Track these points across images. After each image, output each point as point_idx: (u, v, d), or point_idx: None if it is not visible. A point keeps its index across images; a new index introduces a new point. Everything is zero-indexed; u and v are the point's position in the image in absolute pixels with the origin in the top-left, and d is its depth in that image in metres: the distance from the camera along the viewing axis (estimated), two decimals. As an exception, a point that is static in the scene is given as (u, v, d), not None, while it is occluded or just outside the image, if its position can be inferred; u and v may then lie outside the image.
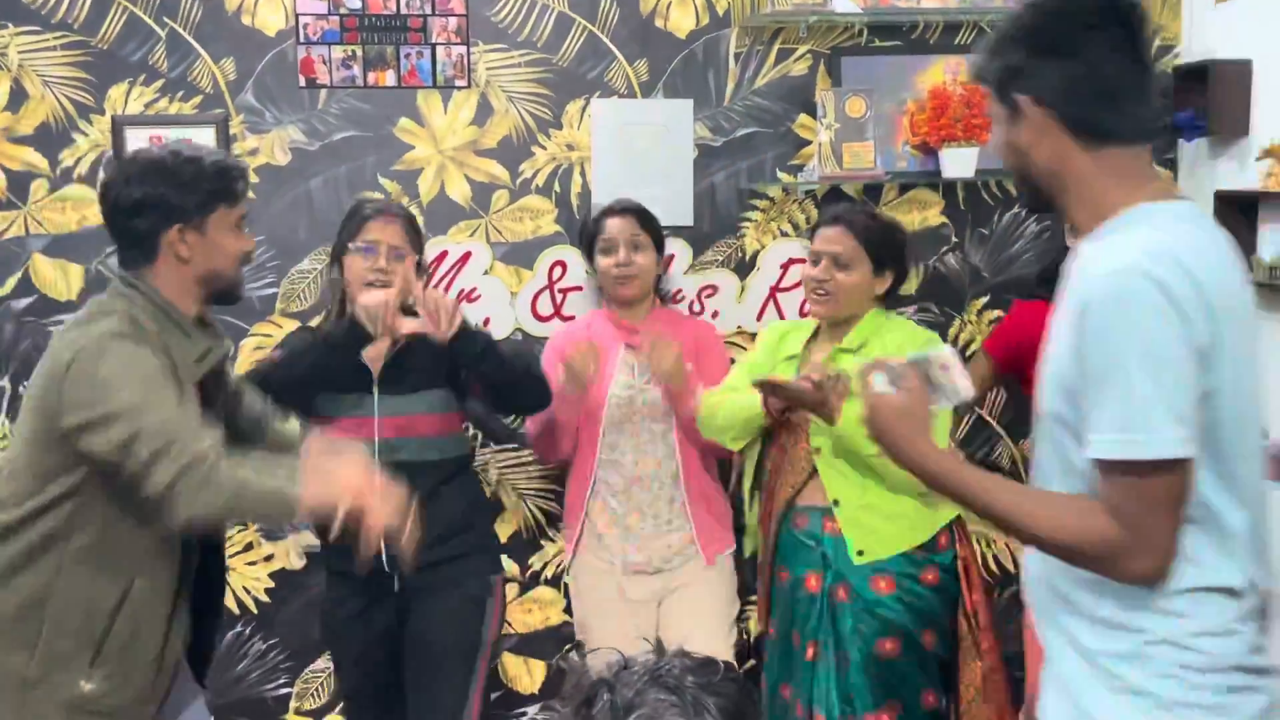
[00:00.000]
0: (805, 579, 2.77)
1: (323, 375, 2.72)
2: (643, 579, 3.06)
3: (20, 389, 3.19)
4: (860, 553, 2.70)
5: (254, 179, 3.29)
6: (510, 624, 3.45)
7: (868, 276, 2.82)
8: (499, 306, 3.38)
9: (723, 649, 3.00)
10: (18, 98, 3.22)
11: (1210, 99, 3.26)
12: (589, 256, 3.16)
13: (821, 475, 2.75)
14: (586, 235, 3.15)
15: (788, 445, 2.83)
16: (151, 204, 2.14)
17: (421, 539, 2.23)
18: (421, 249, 2.90)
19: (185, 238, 2.16)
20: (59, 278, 3.28)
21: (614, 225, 3.06)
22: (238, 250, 2.24)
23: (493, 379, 2.78)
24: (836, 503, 2.73)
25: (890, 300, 2.94)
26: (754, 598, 3.21)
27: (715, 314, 3.45)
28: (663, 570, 3.05)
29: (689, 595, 3.05)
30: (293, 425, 2.52)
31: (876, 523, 2.71)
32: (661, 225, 3.13)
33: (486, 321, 3.35)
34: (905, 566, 2.71)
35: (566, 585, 3.32)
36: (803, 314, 3.44)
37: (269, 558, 3.40)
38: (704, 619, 3.01)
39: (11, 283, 3.26)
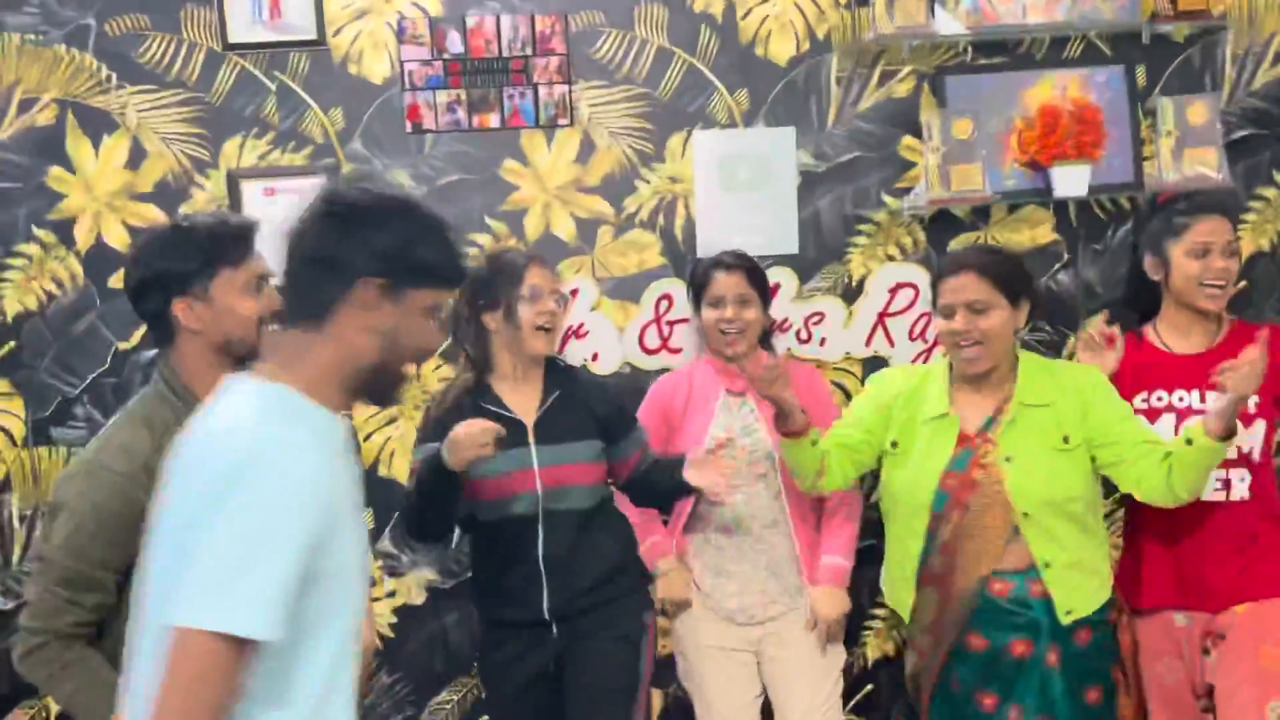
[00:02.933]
0: (1010, 646, 2.69)
1: (447, 506, 2.70)
2: (744, 629, 3.03)
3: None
4: (1068, 612, 2.66)
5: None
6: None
7: (1008, 313, 2.69)
8: (607, 341, 3.41)
9: (826, 705, 3.00)
10: (137, 156, 3.33)
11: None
12: (695, 304, 3.13)
13: (1027, 538, 2.66)
14: (694, 284, 3.13)
15: (975, 508, 2.68)
16: (152, 280, 2.11)
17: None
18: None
19: (193, 308, 2.11)
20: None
21: (722, 281, 3.01)
22: (252, 312, 2.14)
23: (655, 499, 2.97)
24: (1047, 564, 2.66)
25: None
26: (873, 621, 3.17)
27: (823, 341, 3.43)
28: (763, 622, 3.01)
29: (792, 648, 3.01)
30: None
31: (1081, 580, 2.69)
32: (767, 255, 3.11)
33: (595, 357, 3.39)
34: (1096, 614, 2.71)
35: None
36: (919, 359, 3.41)
37: (392, 593, 3.48)
38: (808, 673, 2.99)
39: (137, 336, 3.36)
